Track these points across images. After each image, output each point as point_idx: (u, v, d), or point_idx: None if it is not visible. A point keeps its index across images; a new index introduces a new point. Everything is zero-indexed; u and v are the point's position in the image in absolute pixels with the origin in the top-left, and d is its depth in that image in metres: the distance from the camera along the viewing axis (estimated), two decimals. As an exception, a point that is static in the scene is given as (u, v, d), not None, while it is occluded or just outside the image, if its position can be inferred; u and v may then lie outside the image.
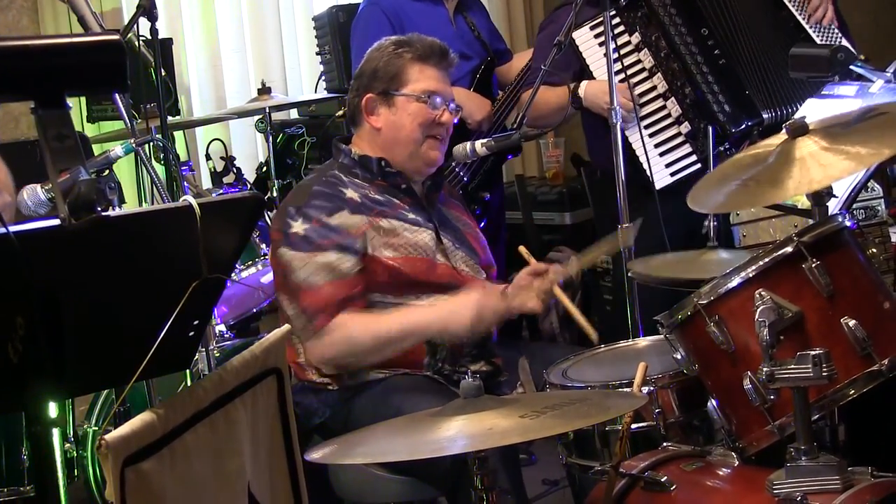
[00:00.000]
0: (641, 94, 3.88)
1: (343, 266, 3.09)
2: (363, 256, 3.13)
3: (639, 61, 3.93)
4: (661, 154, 3.87)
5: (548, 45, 3.94)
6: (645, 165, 3.78)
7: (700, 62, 3.90)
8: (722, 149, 3.78)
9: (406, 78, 3.24)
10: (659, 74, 3.91)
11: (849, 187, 3.01)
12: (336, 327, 3.05)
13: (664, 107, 3.91)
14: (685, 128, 3.88)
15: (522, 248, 3.31)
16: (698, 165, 3.82)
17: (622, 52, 3.90)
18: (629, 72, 3.87)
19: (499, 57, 4.60)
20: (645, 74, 3.92)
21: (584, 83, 3.87)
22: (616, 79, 3.58)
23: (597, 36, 3.90)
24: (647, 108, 3.90)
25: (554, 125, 4.24)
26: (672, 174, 3.84)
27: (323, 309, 3.05)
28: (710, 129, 3.71)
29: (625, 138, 3.67)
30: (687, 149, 3.87)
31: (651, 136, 3.87)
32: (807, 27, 3.98)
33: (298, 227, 3.11)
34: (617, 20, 3.90)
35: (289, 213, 3.15)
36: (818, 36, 3.97)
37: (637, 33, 3.92)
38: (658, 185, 3.79)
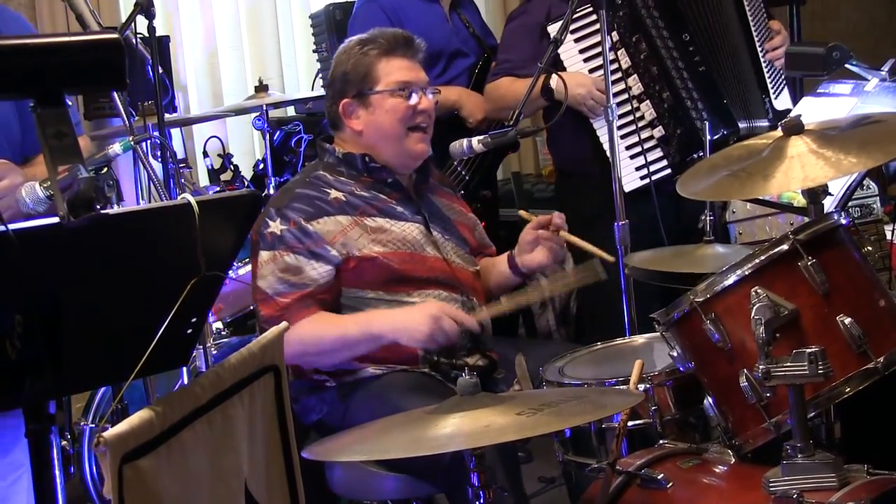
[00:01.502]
0: (615, 95, 3.81)
1: (310, 273, 3.10)
2: (341, 263, 3.13)
3: (615, 60, 3.85)
4: (632, 157, 3.84)
5: (520, 34, 3.91)
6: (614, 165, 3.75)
7: (681, 67, 3.87)
8: (695, 156, 3.75)
9: (376, 75, 3.23)
10: (635, 76, 3.87)
11: (844, 185, 3.02)
12: (292, 328, 3.05)
13: (637, 108, 3.86)
14: (658, 132, 3.85)
15: (522, 211, 3.33)
16: (668, 171, 3.80)
17: (596, 50, 3.83)
18: (602, 71, 3.84)
19: (492, 53, 4.61)
20: (620, 75, 3.85)
21: (554, 76, 3.77)
22: (587, 68, 3.54)
23: (573, 31, 3.86)
24: (620, 110, 3.80)
25: (527, 117, 4.18)
26: (641, 178, 3.80)
27: (279, 317, 3.06)
28: (707, 124, 3.68)
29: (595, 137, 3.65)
30: (658, 153, 3.85)
31: (622, 137, 3.82)
32: (761, 59, 3.97)
33: (275, 226, 3.13)
34: (594, 18, 3.84)
35: (269, 214, 3.16)
36: (767, 72, 3.96)
37: (615, 32, 3.86)
38: (627, 188, 3.75)
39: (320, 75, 5.29)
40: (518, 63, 3.97)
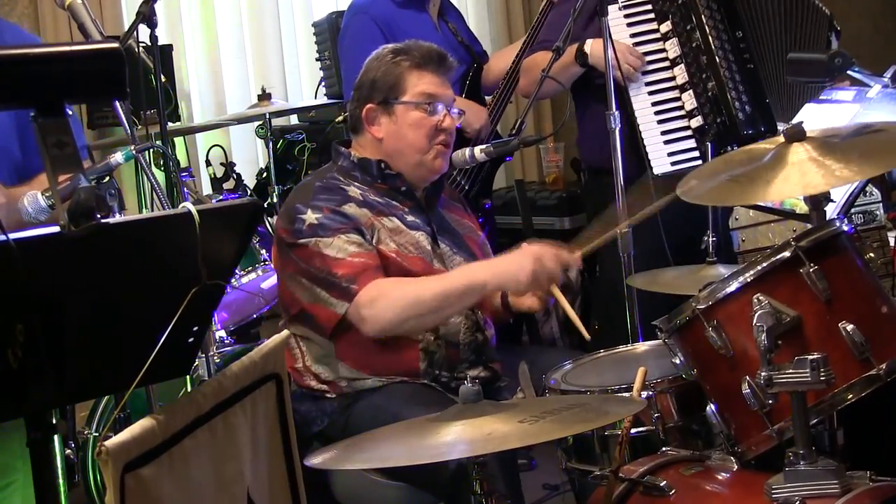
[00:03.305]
0: (658, 82, 3.90)
1: (365, 244, 3.10)
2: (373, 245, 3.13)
3: (662, 50, 3.93)
4: (666, 143, 3.87)
5: (565, 19, 3.90)
6: (645, 146, 3.77)
7: (731, 60, 3.91)
8: (729, 148, 3.76)
9: (405, 86, 3.22)
10: (682, 66, 3.91)
11: (847, 192, 3.02)
12: (382, 292, 3.03)
13: (678, 98, 3.91)
14: (696, 122, 3.88)
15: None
16: (699, 161, 3.81)
17: (645, 38, 3.91)
18: (649, 58, 3.88)
19: (480, 60, 4.63)
20: (666, 64, 3.93)
21: (589, 40, 3.83)
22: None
23: (626, 16, 3.89)
24: (661, 96, 3.90)
25: (554, 93, 4.15)
26: (672, 164, 3.84)
27: (360, 273, 3.04)
28: (710, 145, 3.70)
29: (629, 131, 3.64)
30: (692, 143, 3.88)
31: (659, 122, 3.87)
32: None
33: (311, 217, 3.10)
34: (647, 7, 3.91)
35: (297, 210, 3.14)
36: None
37: (668, 22, 3.92)
38: (657, 171, 3.79)
39: (323, 84, 5.30)
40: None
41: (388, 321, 3.04)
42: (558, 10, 4.15)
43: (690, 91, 3.89)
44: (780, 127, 3.82)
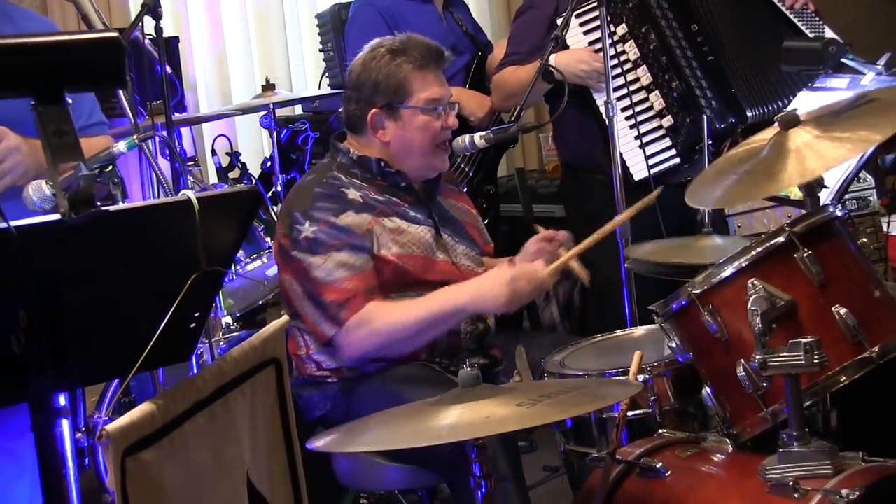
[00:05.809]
0: (625, 86, 3.86)
1: (357, 262, 3.10)
2: (372, 254, 3.15)
3: (623, 52, 3.90)
4: (641, 146, 3.84)
5: (527, 27, 3.92)
6: (623, 155, 3.73)
7: (690, 57, 3.88)
8: (705, 145, 3.75)
9: (409, 89, 3.20)
10: (644, 67, 3.88)
11: (841, 178, 3.03)
12: (367, 318, 3.06)
13: (647, 99, 3.89)
14: (667, 121, 3.86)
15: (538, 227, 3.34)
16: (677, 160, 3.80)
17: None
18: (612, 63, 3.85)
19: (485, 50, 4.65)
20: (629, 66, 3.90)
21: (552, 56, 3.66)
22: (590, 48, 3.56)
23: (582, 24, 3.89)
24: (630, 100, 3.87)
25: (531, 104, 4.15)
26: (650, 167, 3.81)
27: (349, 299, 3.06)
28: (705, 118, 3.68)
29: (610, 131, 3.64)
30: (667, 142, 3.86)
31: (632, 127, 3.84)
32: (789, 14, 3.96)
33: (307, 230, 3.11)
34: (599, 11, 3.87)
35: (295, 219, 3.14)
36: (802, 24, 3.94)
37: (623, 25, 3.89)
38: (636, 177, 3.79)
39: (327, 74, 5.33)
40: (524, 55, 3.99)
41: (368, 350, 3.11)
42: (524, 19, 4.12)
43: (657, 91, 3.87)
44: (749, 112, 3.83)
